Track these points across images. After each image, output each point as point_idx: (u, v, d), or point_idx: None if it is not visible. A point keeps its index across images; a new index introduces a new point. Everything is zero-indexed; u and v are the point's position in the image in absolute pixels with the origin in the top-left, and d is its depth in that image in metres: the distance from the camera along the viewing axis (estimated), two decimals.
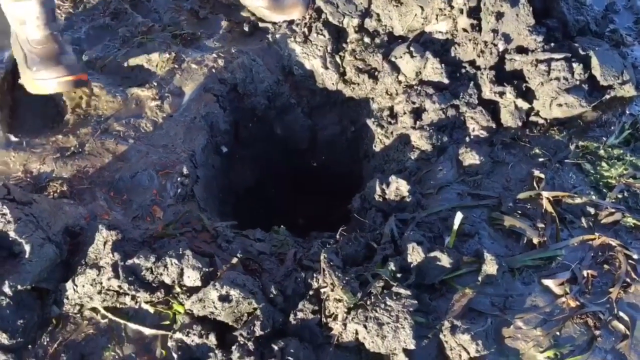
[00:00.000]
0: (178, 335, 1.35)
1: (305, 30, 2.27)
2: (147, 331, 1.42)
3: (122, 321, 1.43)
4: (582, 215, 1.64)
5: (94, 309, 1.44)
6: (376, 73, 2.20)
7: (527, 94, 1.94)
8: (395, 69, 2.12)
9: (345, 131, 2.48)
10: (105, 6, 2.36)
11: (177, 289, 1.45)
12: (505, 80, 1.95)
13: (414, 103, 2.02)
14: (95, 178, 1.80)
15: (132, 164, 1.85)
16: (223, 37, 2.32)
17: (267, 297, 1.41)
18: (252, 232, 1.73)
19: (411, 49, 2.07)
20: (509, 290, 1.46)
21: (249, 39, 2.33)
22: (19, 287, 1.38)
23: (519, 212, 1.64)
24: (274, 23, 2.34)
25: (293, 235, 1.78)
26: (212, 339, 1.34)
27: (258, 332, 1.32)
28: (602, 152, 1.83)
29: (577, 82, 1.88)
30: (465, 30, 2.06)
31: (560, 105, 1.88)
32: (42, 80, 1.87)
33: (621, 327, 1.39)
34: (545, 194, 1.66)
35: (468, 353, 1.30)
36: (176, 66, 2.16)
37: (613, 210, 1.63)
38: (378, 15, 2.21)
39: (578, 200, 1.67)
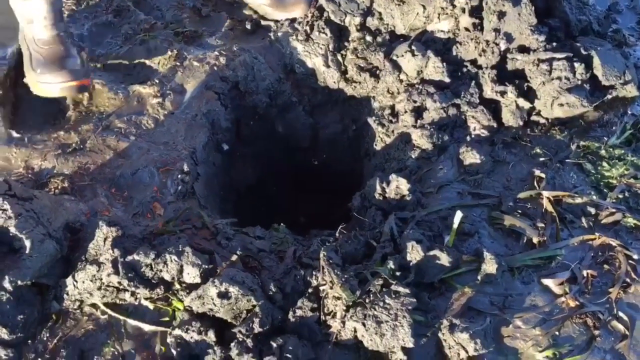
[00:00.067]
0: (177, 331, 1.35)
1: (307, 28, 2.27)
2: (147, 327, 1.42)
3: (121, 317, 1.43)
4: (583, 215, 1.63)
5: (93, 305, 1.45)
6: (377, 72, 2.20)
7: (529, 94, 1.93)
8: (397, 67, 2.12)
9: (346, 130, 2.48)
10: (108, 3, 2.36)
11: (177, 286, 1.45)
12: (506, 80, 1.94)
13: (415, 102, 2.02)
14: (96, 174, 1.81)
15: (133, 161, 1.86)
16: (225, 34, 2.32)
17: (266, 294, 1.41)
18: (252, 229, 1.74)
19: (413, 47, 2.07)
20: (509, 290, 1.46)
21: (251, 36, 2.33)
22: (19, 282, 1.39)
23: (519, 211, 1.63)
24: (276, 21, 2.34)
25: (294, 233, 1.78)
26: (211, 336, 1.34)
27: (257, 329, 1.32)
28: (603, 152, 1.83)
29: (579, 82, 1.87)
30: (467, 29, 2.06)
31: (561, 105, 1.87)
32: (45, 84, 1.88)
33: (620, 327, 1.38)
34: (545, 193, 1.66)
35: (467, 352, 1.30)
36: (178, 64, 2.16)
37: (614, 210, 1.63)
38: (380, 13, 2.21)
39: (578, 200, 1.67)
